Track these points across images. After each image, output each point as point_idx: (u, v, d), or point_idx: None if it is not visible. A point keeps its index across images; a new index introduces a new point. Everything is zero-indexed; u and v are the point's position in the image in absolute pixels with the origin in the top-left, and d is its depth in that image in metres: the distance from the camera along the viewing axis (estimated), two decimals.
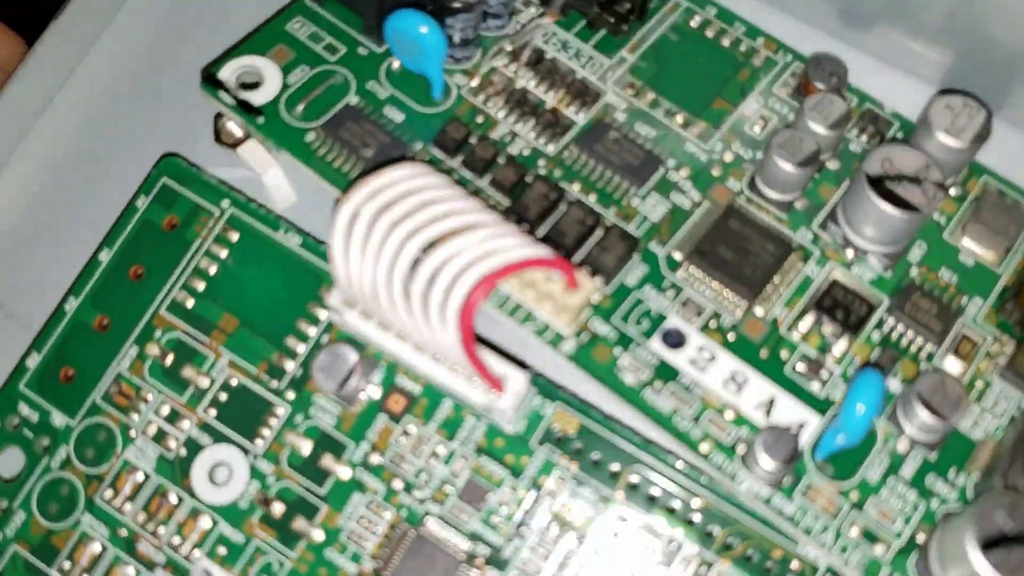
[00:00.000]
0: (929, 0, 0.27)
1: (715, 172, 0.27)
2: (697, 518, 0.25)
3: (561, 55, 0.29)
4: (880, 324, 0.25)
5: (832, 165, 0.28)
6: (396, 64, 0.28)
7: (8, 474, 0.27)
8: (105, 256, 0.28)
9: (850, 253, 0.26)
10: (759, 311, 0.26)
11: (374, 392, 0.26)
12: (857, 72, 0.29)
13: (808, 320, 0.25)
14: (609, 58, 0.29)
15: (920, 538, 0.23)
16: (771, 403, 0.24)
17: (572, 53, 0.29)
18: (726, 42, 0.29)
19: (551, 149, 0.27)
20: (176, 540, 0.26)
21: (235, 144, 0.28)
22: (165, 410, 0.27)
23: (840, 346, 0.25)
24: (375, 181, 0.23)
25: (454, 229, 0.23)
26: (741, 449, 0.24)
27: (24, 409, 0.27)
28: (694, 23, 0.30)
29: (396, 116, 0.27)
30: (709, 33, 0.30)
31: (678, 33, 0.29)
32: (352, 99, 0.28)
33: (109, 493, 0.26)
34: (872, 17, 0.29)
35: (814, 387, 0.25)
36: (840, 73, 0.28)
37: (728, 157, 0.28)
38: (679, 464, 0.25)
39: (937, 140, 0.26)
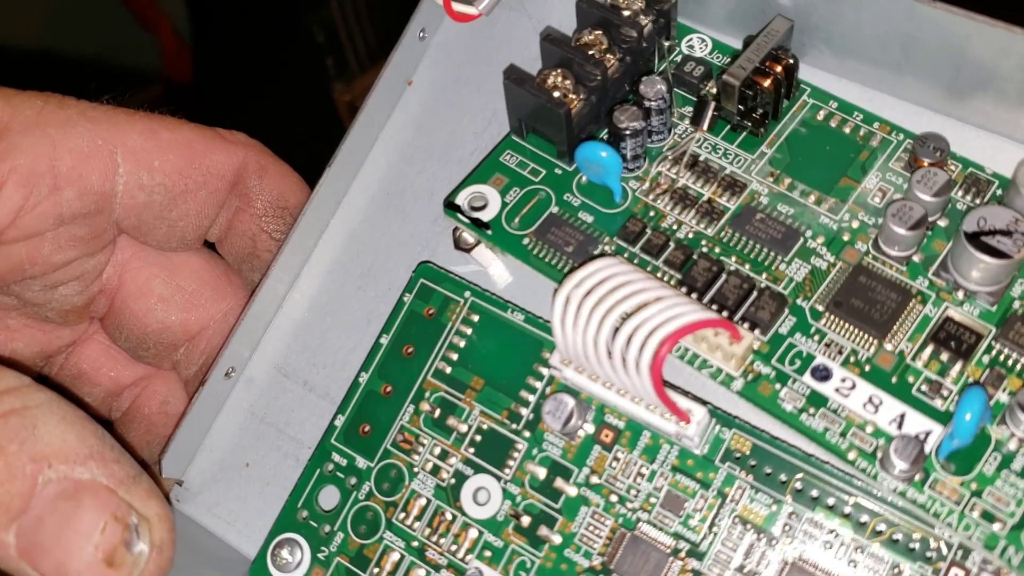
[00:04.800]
0: (1011, 74, 0.33)
1: (845, 238, 0.34)
2: (850, 511, 0.32)
3: (712, 156, 0.37)
4: (989, 349, 0.32)
5: (942, 223, 0.34)
6: (584, 179, 0.37)
7: (328, 506, 0.37)
8: (384, 339, 0.37)
9: (960, 294, 0.32)
10: (888, 346, 0.32)
11: (589, 428, 0.34)
12: (961, 141, 0.35)
13: (928, 350, 0.32)
14: (751, 154, 0.36)
15: None
16: (902, 418, 0.31)
17: (721, 153, 0.37)
18: (847, 129, 0.36)
19: (710, 231, 0.35)
20: (453, 548, 0.35)
21: (469, 249, 0.38)
22: (437, 451, 0.36)
23: (955, 369, 0.31)
24: (579, 273, 0.32)
25: (641, 303, 0.31)
26: (880, 455, 0.31)
27: (336, 457, 0.37)
28: (819, 116, 0.37)
29: (587, 218, 0.36)
30: (832, 123, 0.37)
31: (806, 126, 0.37)
32: (554, 209, 0.36)
33: (402, 515, 0.36)
34: (969, 92, 0.35)
35: (937, 403, 0.31)
36: (943, 147, 0.34)
37: (855, 224, 0.35)
38: (833, 470, 0.32)
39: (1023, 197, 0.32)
